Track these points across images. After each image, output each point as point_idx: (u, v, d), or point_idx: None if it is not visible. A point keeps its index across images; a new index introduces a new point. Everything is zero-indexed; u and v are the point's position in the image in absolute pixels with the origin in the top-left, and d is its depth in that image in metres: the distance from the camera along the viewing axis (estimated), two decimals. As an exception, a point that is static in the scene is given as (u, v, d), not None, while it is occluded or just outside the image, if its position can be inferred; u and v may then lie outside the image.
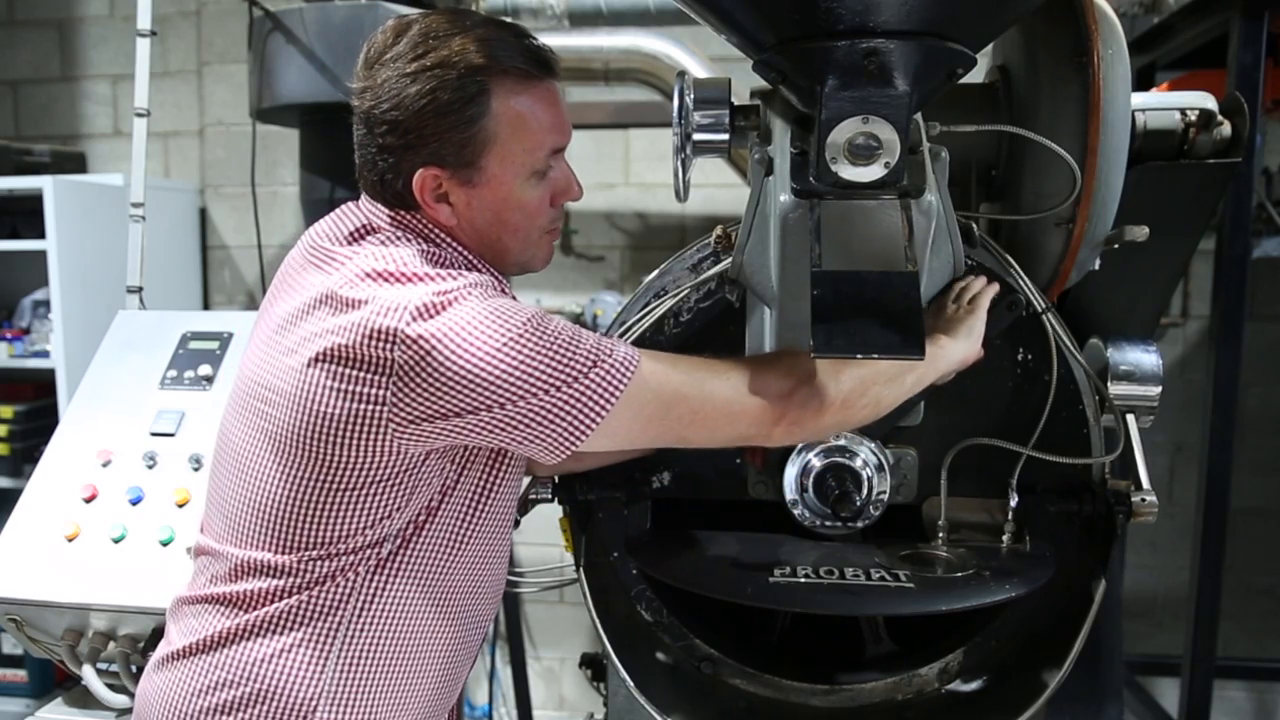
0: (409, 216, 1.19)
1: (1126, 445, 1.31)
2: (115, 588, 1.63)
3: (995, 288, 1.28)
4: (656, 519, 1.41)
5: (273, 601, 1.15)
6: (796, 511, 1.34)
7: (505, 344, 1.05)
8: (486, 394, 1.05)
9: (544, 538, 1.80)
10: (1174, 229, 1.40)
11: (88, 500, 1.76)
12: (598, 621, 1.37)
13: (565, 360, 1.07)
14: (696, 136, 1.23)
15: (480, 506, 1.21)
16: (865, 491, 1.30)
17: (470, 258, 1.21)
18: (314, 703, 1.15)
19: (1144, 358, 1.36)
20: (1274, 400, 3.42)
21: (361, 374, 1.06)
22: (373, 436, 1.08)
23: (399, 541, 1.16)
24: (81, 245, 3.07)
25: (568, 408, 1.07)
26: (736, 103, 1.24)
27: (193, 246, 3.68)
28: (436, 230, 1.20)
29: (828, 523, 1.34)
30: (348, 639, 1.16)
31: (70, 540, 1.72)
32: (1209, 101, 1.37)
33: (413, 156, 1.15)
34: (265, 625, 1.15)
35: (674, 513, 1.42)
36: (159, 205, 3.01)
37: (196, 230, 3.70)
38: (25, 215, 3.10)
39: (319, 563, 1.14)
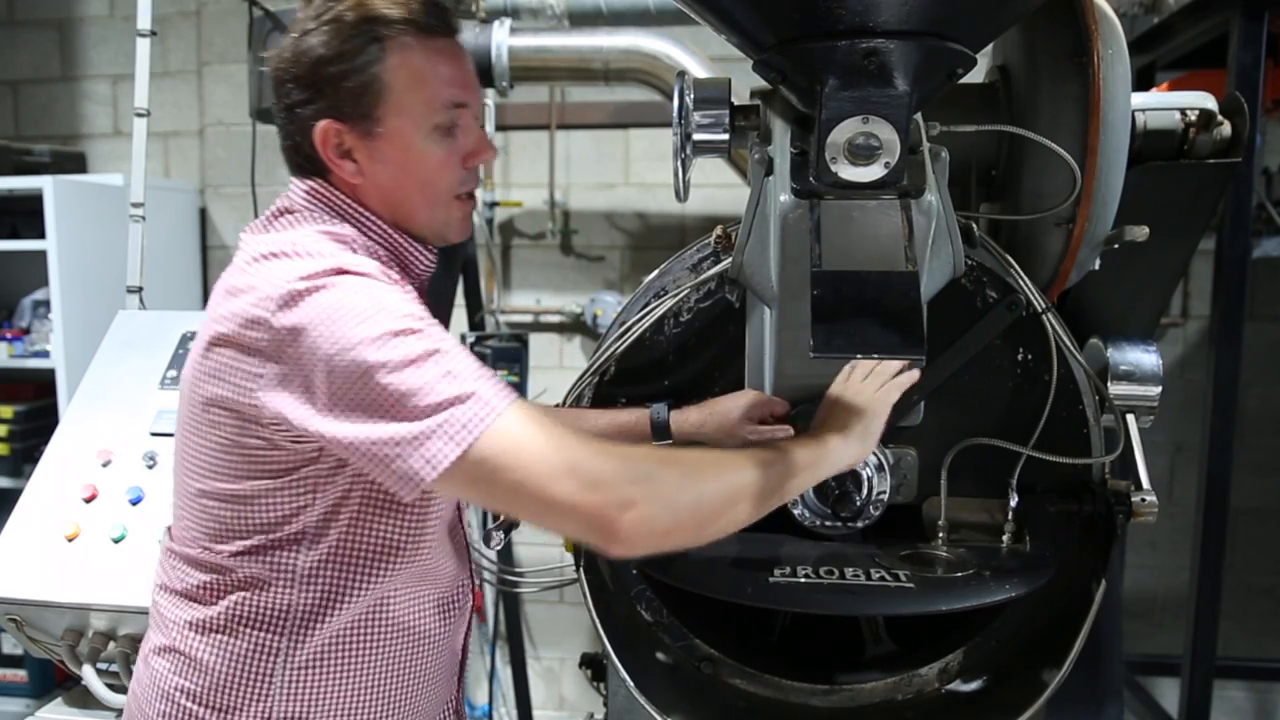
0: (321, 189, 1.19)
1: (1126, 445, 1.32)
2: (115, 588, 1.63)
3: (912, 376, 1.21)
4: (656, 519, 1.41)
5: (216, 597, 1.15)
6: (796, 511, 1.34)
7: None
8: None
9: (544, 538, 1.80)
10: (1174, 229, 1.40)
11: (88, 500, 1.76)
12: (598, 621, 1.37)
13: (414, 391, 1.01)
14: (696, 136, 1.23)
15: (393, 509, 1.15)
16: (865, 491, 1.30)
17: (383, 228, 1.19)
18: (267, 705, 1.14)
19: (1144, 358, 1.36)
20: (1274, 400, 3.42)
21: (239, 363, 1.06)
22: (254, 425, 1.08)
23: (322, 544, 1.13)
24: (81, 245, 3.07)
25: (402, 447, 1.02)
26: (736, 103, 1.24)
27: (193, 246, 3.68)
28: (347, 201, 1.18)
29: (828, 523, 1.34)
30: (295, 643, 1.14)
31: (70, 540, 1.72)
32: (1209, 101, 1.37)
33: (313, 111, 1.15)
34: (212, 623, 1.15)
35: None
36: (159, 205, 3.00)
37: (196, 230, 3.70)
38: (25, 215, 3.10)
39: (242, 558, 1.13)
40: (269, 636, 1.14)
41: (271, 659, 1.14)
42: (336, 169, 1.17)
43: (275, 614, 1.14)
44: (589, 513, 0.99)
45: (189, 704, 1.15)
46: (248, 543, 1.13)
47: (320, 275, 1.04)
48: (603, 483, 0.98)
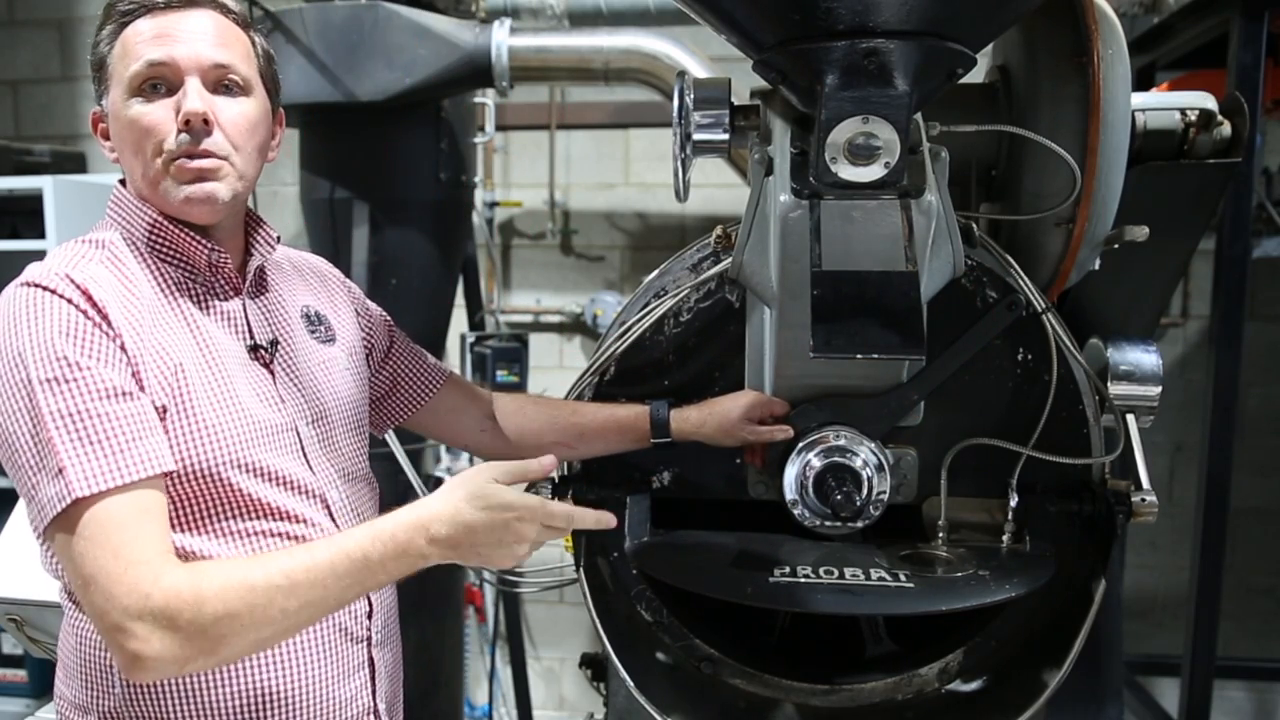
0: (116, 191, 1.24)
1: (1126, 445, 1.32)
2: (115, 588, 1.63)
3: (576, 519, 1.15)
4: (656, 519, 1.41)
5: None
6: (796, 511, 1.34)
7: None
8: None
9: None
10: (1174, 229, 1.40)
11: (88, 500, 1.76)
12: (598, 621, 1.37)
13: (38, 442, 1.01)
14: (696, 136, 1.23)
15: None
16: (865, 491, 1.30)
17: (152, 217, 1.19)
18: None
19: (1144, 358, 1.36)
20: (1274, 400, 3.42)
21: None
22: None
23: None
24: (81, 245, 3.07)
25: (28, 491, 1.03)
26: (736, 103, 1.24)
27: (193, 246, 3.68)
28: (122, 196, 1.23)
29: (828, 523, 1.34)
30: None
31: (70, 540, 1.71)
32: (1209, 101, 1.37)
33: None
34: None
35: (674, 513, 1.42)
36: (159, 205, 3.00)
37: (196, 230, 3.69)
38: (25, 215, 3.10)
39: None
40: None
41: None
42: (104, 149, 1.23)
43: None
44: (103, 632, 1.00)
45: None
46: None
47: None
48: (118, 614, 0.97)
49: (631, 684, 1.34)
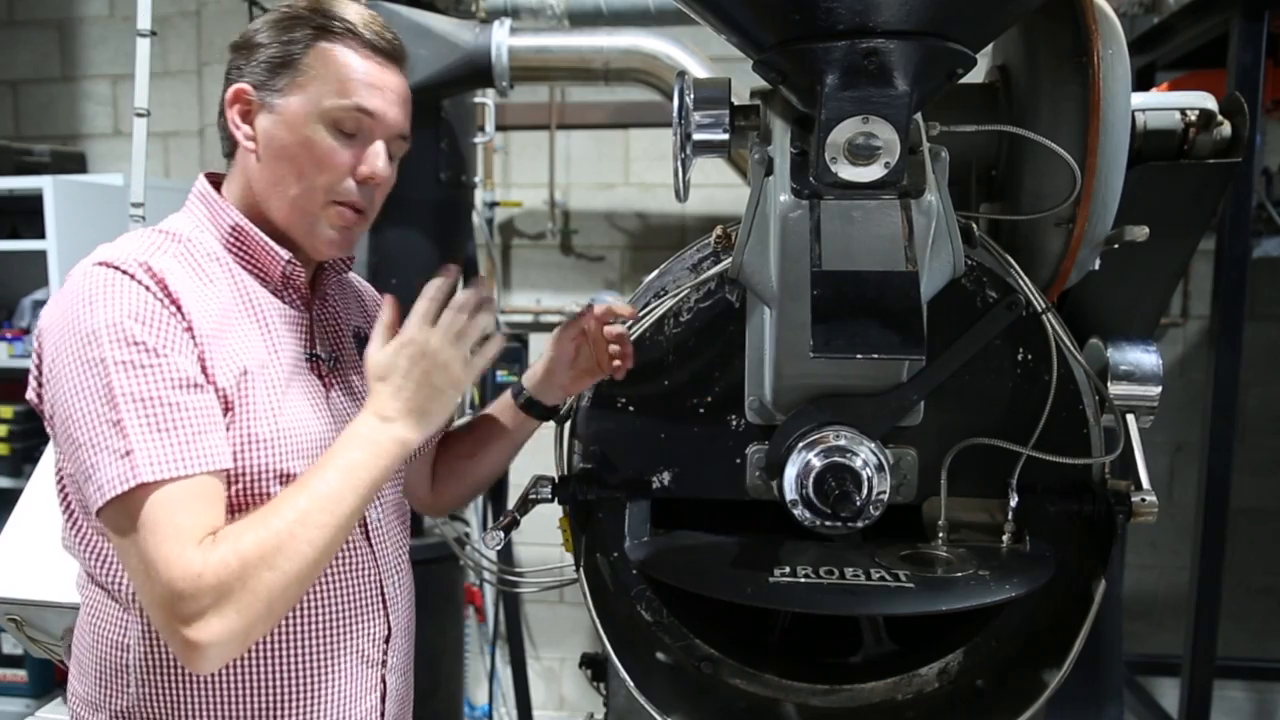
0: (202, 188, 1.26)
1: (1126, 445, 1.31)
2: (115, 588, 1.63)
3: (479, 328, 1.18)
4: (656, 519, 1.41)
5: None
6: (796, 511, 1.34)
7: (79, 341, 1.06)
8: (47, 387, 1.11)
9: (544, 538, 1.80)
10: (1174, 229, 1.40)
11: (88, 500, 1.76)
12: (598, 621, 1.37)
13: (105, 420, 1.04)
14: (696, 136, 1.23)
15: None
16: (865, 491, 1.30)
17: (238, 222, 1.22)
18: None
19: (1144, 358, 1.36)
20: (1274, 400, 3.42)
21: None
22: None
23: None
24: (81, 245, 3.05)
25: (88, 469, 1.04)
26: (736, 103, 1.24)
27: (193, 246, 3.68)
28: (202, 190, 1.26)
29: (828, 523, 1.34)
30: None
31: (70, 540, 1.71)
32: (1209, 101, 1.37)
33: (235, 76, 1.22)
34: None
35: (674, 513, 1.42)
36: (159, 205, 2.99)
37: (196, 230, 3.69)
38: (25, 215, 3.10)
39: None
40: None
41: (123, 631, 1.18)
42: (235, 131, 1.21)
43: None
44: (165, 626, 1.02)
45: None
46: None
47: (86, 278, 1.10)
48: (178, 597, 1.00)
49: (631, 684, 1.34)
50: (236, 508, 1.11)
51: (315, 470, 1.10)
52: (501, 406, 1.50)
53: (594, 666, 1.70)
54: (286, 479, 1.14)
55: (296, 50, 1.18)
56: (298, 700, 1.19)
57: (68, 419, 1.05)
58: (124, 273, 1.08)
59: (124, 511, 1.02)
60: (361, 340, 1.34)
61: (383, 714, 1.29)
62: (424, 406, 1.14)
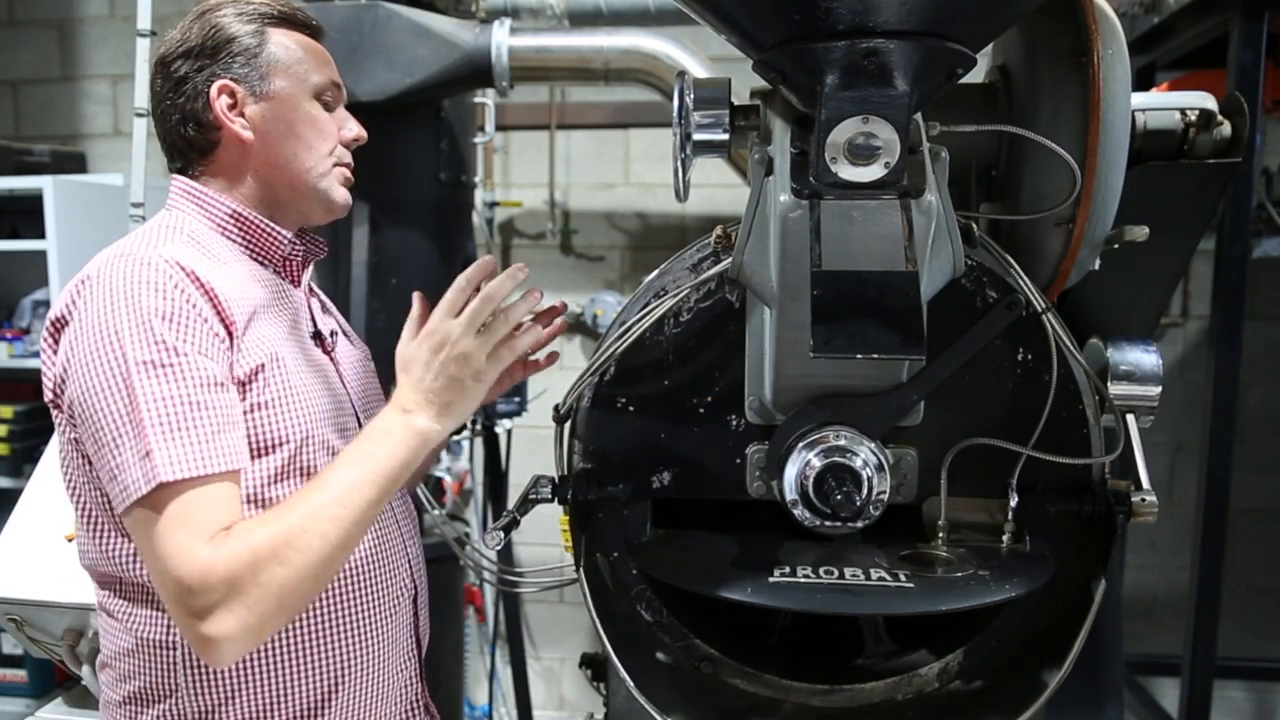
0: (185, 184, 1.32)
1: (1126, 445, 1.31)
2: (115, 588, 1.63)
3: (536, 338, 1.26)
4: (656, 519, 1.41)
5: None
6: (796, 511, 1.34)
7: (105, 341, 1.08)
8: (69, 386, 1.11)
9: (544, 538, 1.81)
10: (1174, 229, 1.40)
11: (88, 500, 1.76)
12: (598, 621, 1.37)
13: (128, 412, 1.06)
14: (696, 136, 1.23)
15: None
16: (865, 491, 1.30)
17: (235, 210, 1.27)
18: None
19: (1144, 358, 1.36)
20: (1274, 400, 3.43)
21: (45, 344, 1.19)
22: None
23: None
24: (81, 245, 3.07)
25: (108, 466, 1.07)
26: (736, 103, 1.24)
27: (193, 246, 3.68)
28: (187, 186, 1.31)
29: (828, 523, 1.34)
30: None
31: (70, 540, 1.72)
32: (1209, 101, 1.37)
33: (207, 75, 1.28)
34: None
35: (674, 513, 1.42)
36: (159, 205, 2.99)
37: (196, 230, 3.69)
38: (25, 215, 3.10)
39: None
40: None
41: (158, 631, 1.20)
42: (227, 124, 1.26)
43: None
44: (181, 621, 1.05)
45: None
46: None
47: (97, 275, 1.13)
48: (193, 592, 1.02)
49: (631, 684, 1.34)
50: (283, 476, 1.16)
51: (334, 465, 1.13)
52: None
53: (594, 666, 1.70)
54: (327, 448, 1.20)
55: (256, 43, 1.28)
56: (352, 669, 1.24)
57: (93, 419, 1.07)
58: (149, 267, 1.10)
59: (143, 511, 1.04)
60: (341, 328, 1.45)
61: (420, 674, 1.37)
62: (445, 398, 1.16)
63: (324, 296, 1.52)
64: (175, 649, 1.18)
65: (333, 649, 1.22)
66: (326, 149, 1.31)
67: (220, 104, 1.26)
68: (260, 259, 1.29)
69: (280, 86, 1.28)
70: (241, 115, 1.28)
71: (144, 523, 1.04)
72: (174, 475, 1.03)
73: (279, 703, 1.19)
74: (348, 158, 1.36)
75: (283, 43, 1.30)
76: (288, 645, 1.20)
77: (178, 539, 1.03)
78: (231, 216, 1.27)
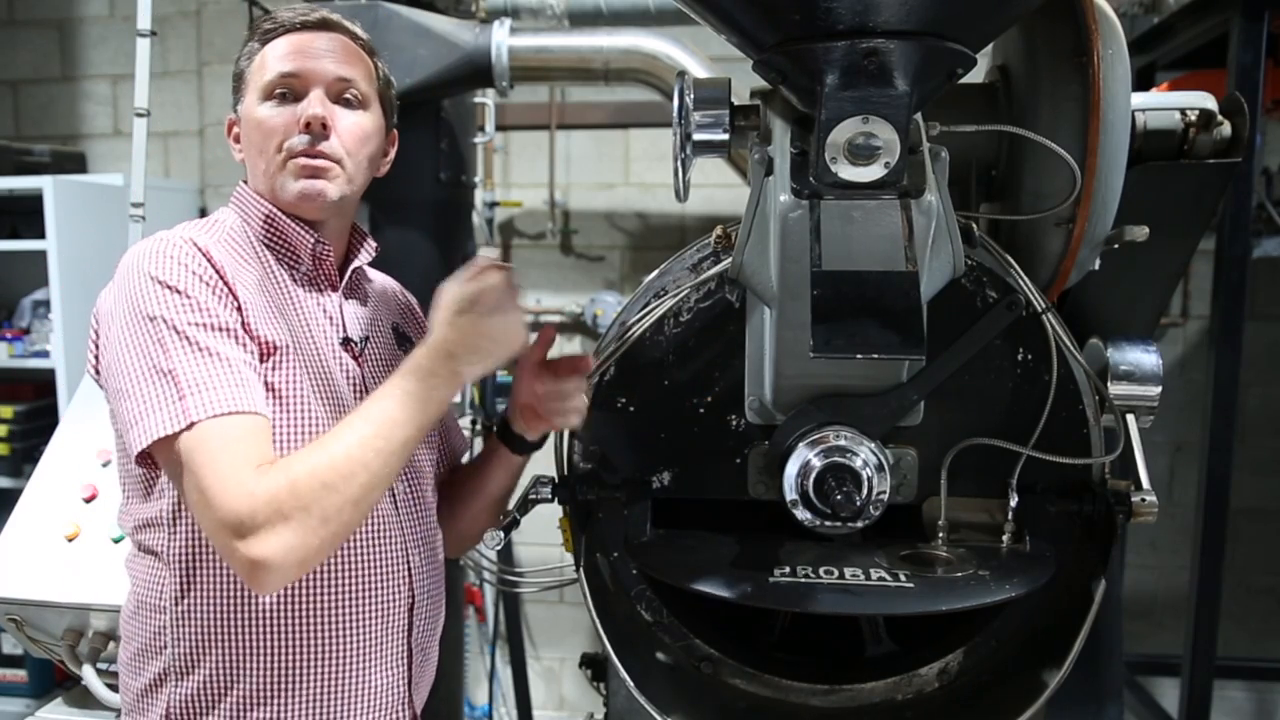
0: (240, 186, 1.37)
1: (1126, 445, 1.31)
2: (115, 588, 1.63)
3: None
4: (656, 519, 1.41)
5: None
6: (796, 511, 1.34)
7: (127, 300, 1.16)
8: (101, 335, 1.21)
9: (544, 538, 1.80)
10: (1174, 229, 1.40)
11: (88, 500, 1.76)
12: (598, 621, 1.37)
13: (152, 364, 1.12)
14: (696, 136, 1.23)
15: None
16: (865, 491, 1.30)
17: (262, 205, 1.32)
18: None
19: (1144, 358, 1.36)
20: (1274, 400, 3.42)
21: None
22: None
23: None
24: (81, 245, 3.07)
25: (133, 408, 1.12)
26: (736, 103, 1.24)
27: (193, 246, 3.68)
28: (238, 190, 1.36)
29: (828, 523, 1.34)
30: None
31: (70, 540, 1.72)
32: (1209, 101, 1.37)
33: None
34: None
35: (674, 513, 1.42)
36: (159, 205, 3.00)
37: (196, 230, 3.69)
38: (25, 215, 3.10)
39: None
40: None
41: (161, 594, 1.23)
42: (234, 150, 1.38)
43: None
44: (225, 548, 1.07)
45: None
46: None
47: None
48: (240, 523, 1.05)
49: (631, 684, 1.34)
50: None
51: (373, 398, 1.16)
52: (489, 451, 1.53)
53: (594, 666, 1.70)
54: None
55: (244, 64, 1.34)
56: (322, 659, 1.24)
57: (119, 374, 1.13)
58: (169, 242, 1.18)
59: (181, 448, 1.08)
60: (400, 336, 1.44)
61: (409, 682, 1.34)
62: (475, 343, 1.18)
63: (407, 299, 1.55)
64: (164, 613, 1.23)
65: (292, 639, 1.22)
66: (273, 146, 1.29)
67: (229, 134, 1.39)
68: (291, 261, 1.32)
69: (245, 102, 1.33)
70: (236, 141, 1.37)
71: (180, 459, 1.08)
72: (209, 412, 1.08)
73: (236, 678, 1.21)
74: (300, 145, 1.27)
75: (261, 55, 1.32)
76: (247, 621, 1.21)
77: (220, 468, 1.06)
78: (265, 217, 1.31)
